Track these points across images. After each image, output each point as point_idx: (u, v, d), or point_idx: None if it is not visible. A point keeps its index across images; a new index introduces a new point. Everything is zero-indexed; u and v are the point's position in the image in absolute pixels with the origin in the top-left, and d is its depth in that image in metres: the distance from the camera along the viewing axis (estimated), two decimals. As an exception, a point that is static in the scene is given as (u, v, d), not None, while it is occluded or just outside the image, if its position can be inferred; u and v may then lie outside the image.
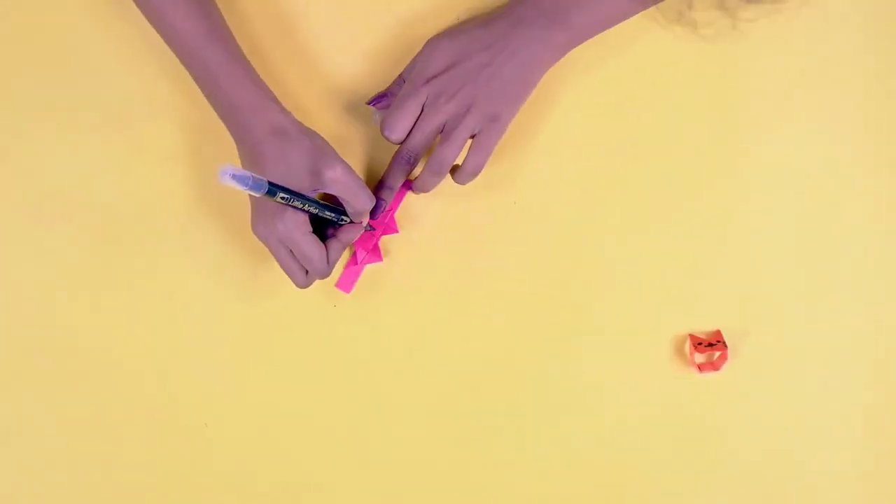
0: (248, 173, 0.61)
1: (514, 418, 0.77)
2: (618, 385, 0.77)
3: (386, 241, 0.77)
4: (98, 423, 0.77)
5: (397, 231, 0.76)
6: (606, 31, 0.74)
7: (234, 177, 0.60)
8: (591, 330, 0.77)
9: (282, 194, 0.65)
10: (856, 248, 0.77)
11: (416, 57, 0.74)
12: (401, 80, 0.75)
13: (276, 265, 0.72)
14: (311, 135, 0.70)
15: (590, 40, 0.74)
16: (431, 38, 0.74)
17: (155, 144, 0.77)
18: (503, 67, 0.71)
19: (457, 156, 0.72)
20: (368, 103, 0.76)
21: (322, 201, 0.70)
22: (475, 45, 0.71)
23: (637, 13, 0.74)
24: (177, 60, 0.72)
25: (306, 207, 0.68)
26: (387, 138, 0.72)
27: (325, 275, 0.72)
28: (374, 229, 0.76)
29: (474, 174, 0.73)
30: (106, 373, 0.77)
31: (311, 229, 0.70)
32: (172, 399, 0.77)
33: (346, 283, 0.76)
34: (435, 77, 0.72)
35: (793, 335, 0.77)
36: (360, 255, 0.76)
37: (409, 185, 0.76)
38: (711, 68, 0.77)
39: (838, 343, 0.77)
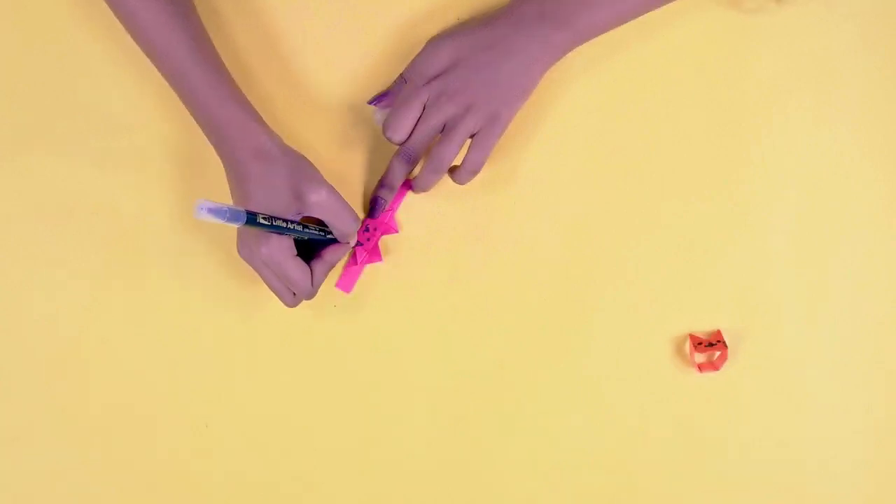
0: (224, 206, 0.60)
1: (515, 418, 0.77)
2: (618, 384, 0.77)
3: (386, 240, 0.77)
4: (100, 424, 0.77)
5: (397, 231, 0.76)
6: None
7: (210, 210, 0.58)
8: (591, 329, 0.77)
9: (262, 221, 0.64)
10: (856, 248, 0.77)
11: (416, 56, 0.74)
12: (401, 79, 0.75)
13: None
14: (295, 157, 0.70)
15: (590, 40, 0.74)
16: (432, 38, 0.74)
17: (153, 152, 0.77)
18: (503, 67, 0.71)
19: (456, 154, 0.72)
20: (370, 103, 0.76)
21: (306, 223, 0.70)
22: (476, 45, 0.72)
23: (640, 16, 0.74)
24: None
25: (289, 232, 0.68)
26: (389, 139, 0.72)
27: (310, 296, 0.72)
28: (361, 244, 0.76)
29: (473, 173, 0.73)
30: (107, 374, 0.77)
31: (294, 252, 0.70)
32: (173, 399, 0.77)
33: (346, 284, 0.76)
34: (436, 77, 0.72)
35: (793, 335, 0.77)
36: (360, 255, 0.76)
37: (408, 184, 0.76)
38: (712, 69, 0.77)
39: (838, 343, 0.77)
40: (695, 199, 0.77)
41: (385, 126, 0.72)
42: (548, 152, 0.77)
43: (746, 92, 0.77)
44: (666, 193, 0.77)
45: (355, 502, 0.77)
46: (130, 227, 0.77)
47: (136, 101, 0.77)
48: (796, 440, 0.77)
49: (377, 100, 0.75)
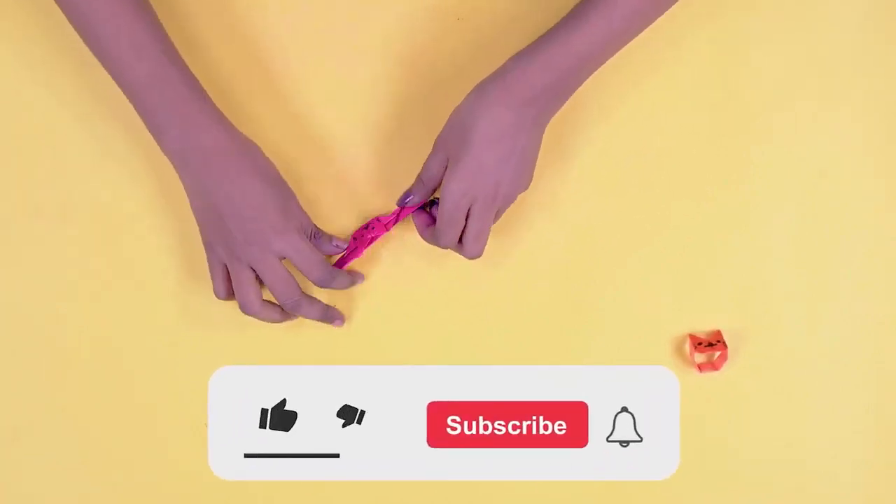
0: None
1: (514, 418, 0.77)
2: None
3: (386, 239, 0.77)
4: (100, 424, 0.77)
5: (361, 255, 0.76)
6: None
7: None
8: (591, 329, 0.77)
9: None
10: (856, 247, 0.77)
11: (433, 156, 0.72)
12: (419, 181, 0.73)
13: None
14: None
15: None
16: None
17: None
18: (527, 153, 0.71)
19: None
20: (400, 204, 0.74)
21: None
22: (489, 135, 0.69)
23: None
24: None
25: None
26: (435, 243, 0.72)
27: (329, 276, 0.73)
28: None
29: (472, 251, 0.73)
30: (107, 374, 0.77)
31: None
32: (173, 399, 0.77)
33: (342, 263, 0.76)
34: (468, 179, 0.69)
35: (793, 335, 0.77)
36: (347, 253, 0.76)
37: (381, 228, 0.75)
38: (712, 69, 0.77)
39: (838, 343, 0.77)
40: (695, 199, 0.77)
41: (435, 235, 0.72)
42: (547, 152, 0.77)
43: (747, 92, 0.77)
44: (666, 193, 0.77)
45: (357, 501, 0.77)
46: (130, 226, 0.77)
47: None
48: (796, 440, 0.77)
49: (406, 198, 0.74)
